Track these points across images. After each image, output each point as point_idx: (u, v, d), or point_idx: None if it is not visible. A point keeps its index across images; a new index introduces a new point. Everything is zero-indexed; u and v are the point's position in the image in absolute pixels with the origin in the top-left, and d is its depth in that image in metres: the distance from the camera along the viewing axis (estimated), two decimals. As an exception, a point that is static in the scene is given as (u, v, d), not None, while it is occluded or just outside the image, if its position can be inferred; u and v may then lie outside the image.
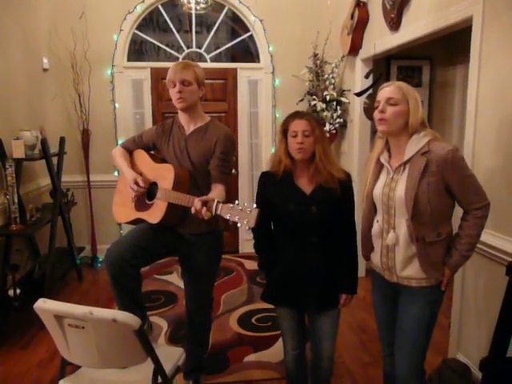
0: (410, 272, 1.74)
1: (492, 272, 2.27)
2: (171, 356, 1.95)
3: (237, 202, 1.69)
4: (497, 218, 2.19)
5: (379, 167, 1.82)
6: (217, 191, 2.04)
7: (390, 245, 1.75)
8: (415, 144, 1.69)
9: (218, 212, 1.72)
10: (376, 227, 1.81)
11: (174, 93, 2.11)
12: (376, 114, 1.72)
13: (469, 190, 1.67)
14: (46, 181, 4.05)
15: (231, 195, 4.63)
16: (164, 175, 2.08)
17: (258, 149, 4.85)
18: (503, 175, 2.18)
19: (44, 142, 3.54)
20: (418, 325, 1.76)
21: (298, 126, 1.84)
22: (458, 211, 1.78)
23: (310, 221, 1.87)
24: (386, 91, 1.71)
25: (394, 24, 3.15)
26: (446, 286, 1.75)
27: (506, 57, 2.13)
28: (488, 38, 2.25)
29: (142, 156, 2.28)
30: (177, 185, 2.02)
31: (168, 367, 1.80)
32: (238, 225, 1.66)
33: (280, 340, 2.50)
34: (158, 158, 2.25)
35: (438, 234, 1.70)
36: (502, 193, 2.18)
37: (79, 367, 1.84)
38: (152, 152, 2.32)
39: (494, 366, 1.80)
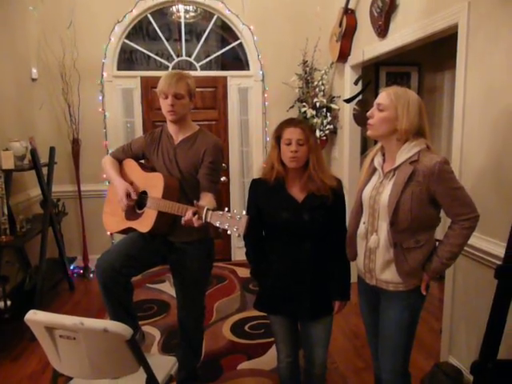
0: (388, 276, 1.75)
1: (481, 275, 2.29)
2: (164, 365, 1.94)
3: (226, 209, 1.70)
4: (485, 222, 2.21)
5: (373, 169, 1.84)
6: (207, 199, 2.04)
7: (372, 247, 1.76)
8: (406, 152, 1.70)
9: (208, 219, 1.72)
10: (362, 228, 1.83)
11: (165, 104, 2.11)
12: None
13: (455, 202, 1.66)
14: (36, 191, 4.02)
15: (222, 203, 4.67)
16: (154, 184, 2.08)
17: (248, 156, 4.86)
18: (491, 178, 2.21)
19: (34, 153, 3.52)
20: (398, 328, 1.76)
21: (292, 134, 1.84)
22: (447, 219, 1.79)
23: (301, 228, 1.88)
24: (379, 96, 1.74)
25: (382, 31, 3.20)
26: (425, 290, 1.75)
27: (491, 62, 2.17)
28: (473, 43, 2.28)
29: (131, 165, 2.28)
30: (167, 193, 2.03)
31: (161, 377, 1.79)
32: (228, 232, 1.66)
33: (273, 347, 2.49)
34: (148, 167, 2.25)
35: (417, 240, 1.70)
36: (490, 196, 2.20)
37: (71, 378, 1.82)
38: (141, 161, 2.32)
39: (485, 369, 1.81)
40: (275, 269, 1.94)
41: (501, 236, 2.10)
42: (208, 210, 1.74)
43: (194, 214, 1.77)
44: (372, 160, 1.84)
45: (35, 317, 1.56)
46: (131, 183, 2.18)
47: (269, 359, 2.84)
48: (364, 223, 1.82)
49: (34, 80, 4.33)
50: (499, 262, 2.01)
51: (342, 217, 1.96)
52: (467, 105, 2.36)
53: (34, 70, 4.31)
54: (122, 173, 2.27)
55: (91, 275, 4.46)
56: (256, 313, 3.23)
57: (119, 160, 2.32)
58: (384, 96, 1.72)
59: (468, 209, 1.67)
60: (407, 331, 1.78)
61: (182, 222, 1.81)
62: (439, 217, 1.77)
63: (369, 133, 1.76)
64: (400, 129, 1.68)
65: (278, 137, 1.90)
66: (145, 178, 2.17)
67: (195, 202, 1.83)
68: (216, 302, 3.80)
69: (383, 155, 1.81)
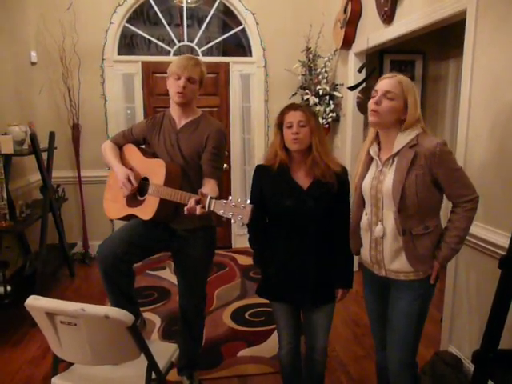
0: (398, 265, 1.74)
1: (484, 265, 2.28)
2: (165, 352, 1.94)
3: (230, 197, 1.68)
4: (489, 212, 2.20)
5: (369, 160, 1.82)
6: (209, 186, 2.02)
7: (378, 237, 1.75)
8: (404, 137, 1.69)
9: (212, 208, 1.70)
10: (364, 220, 1.81)
11: (175, 85, 2.06)
12: (370, 104, 1.71)
13: (457, 184, 1.67)
14: (35, 177, 4.00)
15: (223, 190, 4.65)
16: (155, 171, 2.05)
17: (250, 143, 4.83)
18: (496, 169, 2.19)
19: (33, 137, 3.48)
20: (408, 319, 1.76)
21: (293, 117, 1.83)
22: (447, 205, 1.78)
23: (306, 216, 1.86)
24: (386, 83, 1.69)
25: (388, 17, 3.14)
26: (434, 280, 1.75)
27: (499, 50, 2.13)
28: (481, 31, 2.24)
29: (132, 151, 2.25)
30: (168, 180, 2.00)
31: (162, 363, 1.79)
32: (232, 221, 1.64)
33: (273, 334, 2.50)
34: (149, 153, 2.22)
35: (425, 226, 1.70)
36: (494, 186, 2.18)
37: (72, 364, 1.83)
38: (142, 146, 2.29)
39: (487, 359, 1.81)
40: (279, 256, 1.93)
41: (505, 226, 2.09)
42: (211, 198, 1.71)
43: (197, 202, 1.75)
44: (367, 152, 1.82)
45: (36, 302, 1.55)
46: (131, 169, 2.15)
47: (269, 346, 2.84)
48: (366, 214, 1.81)
49: (33, 64, 4.28)
50: (503, 253, 1.99)
51: (347, 204, 1.95)
52: (473, 94, 2.33)
53: (34, 54, 4.25)
54: (123, 158, 2.24)
55: (91, 261, 4.46)
56: (256, 300, 3.25)
57: (119, 145, 2.28)
58: (394, 84, 1.68)
59: (469, 190, 1.68)
60: (417, 322, 1.78)
61: (185, 210, 1.79)
62: (442, 198, 1.76)
63: (373, 119, 1.71)
64: (408, 119, 1.67)
65: (280, 123, 1.89)
66: (146, 164, 2.15)
67: (199, 190, 1.81)
68: (216, 289, 3.80)
69: (378, 144, 1.79)
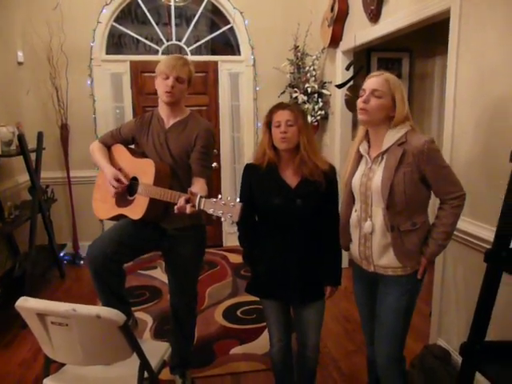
0: (386, 261, 1.77)
1: (471, 259, 2.32)
2: (157, 351, 1.95)
3: (220, 196, 1.69)
4: (475, 207, 2.24)
5: (359, 157, 1.85)
6: (199, 185, 2.03)
7: (367, 233, 1.78)
8: (393, 135, 1.71)
9: (202, 207, 1.71)
10: (354, 216, 1.84)
11: (164, 85, 2.07)
12: (359, 103, 1.74)
13: (444, 181, 1.70)
14: (24, 177, 3.96)
15: (213, 189, 4.66)
16: (144, 170, 2.06)
17: (239, 142, 4.84)
18: (481, 165, 2.22)
19: (21, 138, 3.46)
20: (396, 314, 1.79)
21: (281, 116, 1.85)
22: (435, 202, 1.81)
23: (294, 214, 1.88)
24: (374, 82, 1.72)
25: (374, 16, 3.17)
26: (422, 275, 1.78)
27: (482, 47, 2.17)
28: (465, 29, 2.28)
29: (120, 151, 2.24)
30: (158, 180, 2.00)
31: (154, 362, 1.80)
32: (222, 219, 1.66)
33: (265, 332, 2.51)
34: (138, 153, 2.22)
35: (413, 223, 1.73)
36: (480, 182, 2.22)
37: (63, 365, 1.83)
38: (131, 146, 2.29)
39: (474, 351, 1.84)
40: (268, 253, 1.95)
41: (490, 221, 2.13)
42: (201, 197, 1.73)
43: (187, 201, 1.76)
44: (357, 149, 1.84)
45: (26, 303, 1.55)
46: (120, 169, 2.15)
47: (261, 344, 2.86)
48: (356, 211, 1.83)
49: (20, 64, 4.24)
50: (489, 247, 2.03)
51: (335, 203, 1.97)
52: (458, 91, 2.36)
53: (20, 54, 4.21)
54: (111, 158, 2.23)
55: (81, 262, 4.44)
56: (248, 298, 3.27)
57: (108, 145, 2.28)
58: (381, 82, 1.71)
59: (456, 187, 1.72)
60: (404, 317, 1.81)
61: (175, 209, 1.80)
62: (430, 195, 1.79)
63: (363, 118, 1.74)
64: (397, 116, 1.70)
65: (268, 122, 1.90)
66: (135, 164, 2.15)
67: (188, 189, 1.82)
68: (208, 287, 3.81)
69: (368, 141, 1.82)
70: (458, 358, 2.37)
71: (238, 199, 1.67)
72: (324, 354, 2.76)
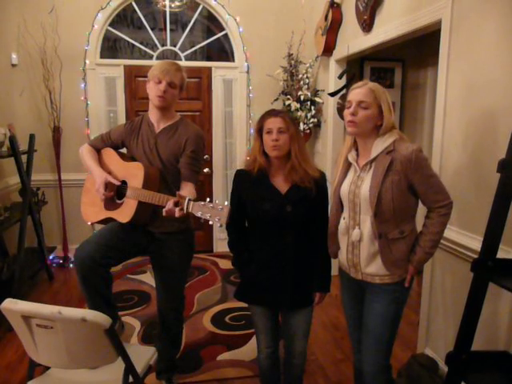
0: (374, 269, 1.77)
1: (459, 269, 2.34)
2: (143, 355, 1.93)
3: (208, 199, 1.70)
4: (463, 216, 2.26)
5: (347, 165, 1.86)
6: (187, 189, 2.03)
7: (355, 241, 1.78)
8: (381, 143, 1.73)
9: (190, 210, 1.72)
10: (342, 224, 1.84)
11: (156, 89, 2.08)
12: (346, 115, 1.75)
13: (432, 189, 1.71)
14: (15, 179, 3.94)
15: (205, 194, 4.66)
16: (134, 173, 2.06)
17: (232, 148, 4.85)
18: (470, 174, 2.25)
19: (13, 140, 3.45)
20: (383, 322, 1.79)
21: (273, 123, 1.85)
22: (423, 210, 1.83)
23: (284, 220, 1.88)
24: (359, 93, 1.73)
25: (367, 26, 3.21)
26: (409, 283, 1.79)
27: (472, 58, 2.20)
28: (456, 40, 2.31)
29: (110, 154, 2.24)
30: (147, 183, 2.01)
31: (140, 367, 1.79)
32: (210, 222, 1.66)
33: (253, 338, 2.50)
34: (127, 157, 2.22)
35: (401, 231, 1.74)
36: (468, 191, 2.24)
37: (48, 368, 1.81)
38: (120, 150, 2.29)
39: (460, 360, 1.85)
40: (257, 259, 1.95)
41: (478, 230, 2.14)
42: (190, 200, 1.73)
43: (176, 204, 1.76)
44: (346, 157, 1.86)
45: (11, 305, 1.54)
46: (109, 173, 2.15)
47: (249, 350, 2.86)
48: (344, 219, 1.84)
49: (13, 66, 4.23)
50: (476, 256, 2.05)
51: (325, 209, 1.97)
52: (448, 101, 2.39)
53: (14, 56, 4.21)
54: (101, 162, 2.23)
55: (71, 265, 4.41)
56: (237, 304, 3.26)
57: (98, 149, 2.28)
58: (366, 93, 1.72)
59: (443, 196, 1.73)
60: (392, 325, 1.81)
61: (164, 212, 1.80)
62: (418, 203, 1.80)
63: (352, 130, 1.75)
64: (385, 124, 1.72)
65: (260, 128, 1.91)
66: (124, 168, 2.15)
67: (177, 192, 1.82)
68: (197, 293, 3.80)
69: (356, 150, 1.83)
70: (445, 368, 2.38)
71: (227, 202, 1.68)
72: (311, 361, 2.76)
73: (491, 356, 1.98)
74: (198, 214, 1.68)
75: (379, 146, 1.73)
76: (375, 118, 1.72)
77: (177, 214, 1.76)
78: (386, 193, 1.69)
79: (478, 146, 2.19)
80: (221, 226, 1.68)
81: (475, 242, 2.15)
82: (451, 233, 2.27)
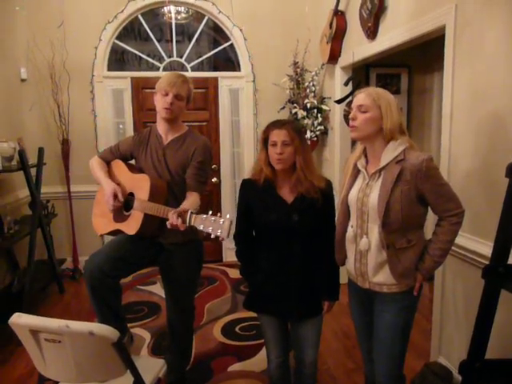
0: (381, 278, 1.75)
1: (469, 275, 2.30)
2: (152, 367, 1.93)
3: (210, 212, 1.69)
4: (474, 222, 2.23)
5: (356, 172, 1.84)
6: (191, 200, 2.03)
7: (363, 250, 1.76)
8: (391, 152, 1.70)
9: (192, 223, 1.71)
10: (350, 232, 1.82)
11: (163, 101, 2.10)
12: (349, 121, 1.75)
13: (443, 198, 1.68)
14: (24, 192, 3.98)
15: (213, 204, 4.67)
16: (140, 186, 2.07)
17: (240, 157, 4.86)
18: (479, 179, 2.22)
19: (22, 153, 3.49)
20: (393, 332, 1.76)
21: (278, 135, 1.83)
22: (432, 218, 1.80)
23: (291, 229, 1.87)
24: (358, 98, 1.73)
25: (371, 33, 3.21)
26: (417, 291, 1.76)
27: (477, 62, 2.18)
28: (460, 45, 2.30)
29: (119, 166, 2.26)
30: (153, 195, 2.01)
31: (149, 379, 1.78)
32: (212, 236, 1.65)
33: (264, 349, 2.48)
34: (136, 168, 2.24)
35: (408, 240, 1.71)
36: (478, 196, 2.21)
37: (57, 383, 1.80)
38: (129, 162, 2.31)
39: (473, 369, 1.82)
40: (265, 268, 1.94)
41: (489, 236, 2.11)
42: (192, 213, 1.73)
43: (179, 216, 1.76)
44: (354, 164, 1.84)
45: (19, 320, 1.54)
46: (118, 184, 2.17)
47: (259, 361, 2.83)
48: (352, 227, 1.82)
49: (23, 80, 4.30)
50: (487, 262, 2.02)
51: (332, 218, 1.96)
52: (455, 106, 2.37)
53: (23, 70, 4.28)
54: (110, 174, 2.25)
55: (81, 277, 4.42)
56: (247, 314, 3.24)
57: (107, 161, 2.30)
58: (364, 97, 1.71)
59: (455, 204, 1.70)
60: (403, 334, 1.78)
61: (168, 225, 1.80)
62: (426, 213, 1.77)
63: (353, 135, 1.75)
64: (386, 127, 1.69)
65: (265, 139, 1.90)
66: (132, 180, 2.16)
67: (181, 206, 1.83)
68: (207, 303, 3.78)
69: (365, 157, 1.82)
70: (459, 377, 2.33)
71: (228, 215, 1.68)
72: (323, 371, 2.72)
73: (506, 364, 1.94)
74: (201, 228, 1.68)
75: (389, 154, 1.70)
76: (377, 121, 1.70)
77: (181, 228, 1.75)
78: (395, 203, 1.66)
79: (486, 150, 2.17)
80: (222, 239, 1.67)
81: (486, 248, 2.12)
82: (461, 239, 2.24)
